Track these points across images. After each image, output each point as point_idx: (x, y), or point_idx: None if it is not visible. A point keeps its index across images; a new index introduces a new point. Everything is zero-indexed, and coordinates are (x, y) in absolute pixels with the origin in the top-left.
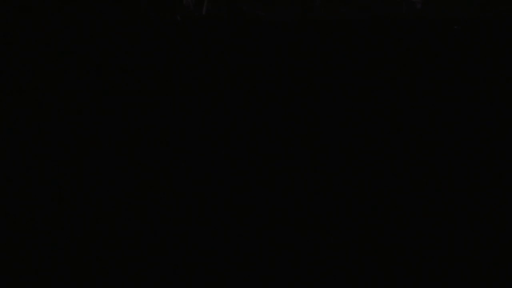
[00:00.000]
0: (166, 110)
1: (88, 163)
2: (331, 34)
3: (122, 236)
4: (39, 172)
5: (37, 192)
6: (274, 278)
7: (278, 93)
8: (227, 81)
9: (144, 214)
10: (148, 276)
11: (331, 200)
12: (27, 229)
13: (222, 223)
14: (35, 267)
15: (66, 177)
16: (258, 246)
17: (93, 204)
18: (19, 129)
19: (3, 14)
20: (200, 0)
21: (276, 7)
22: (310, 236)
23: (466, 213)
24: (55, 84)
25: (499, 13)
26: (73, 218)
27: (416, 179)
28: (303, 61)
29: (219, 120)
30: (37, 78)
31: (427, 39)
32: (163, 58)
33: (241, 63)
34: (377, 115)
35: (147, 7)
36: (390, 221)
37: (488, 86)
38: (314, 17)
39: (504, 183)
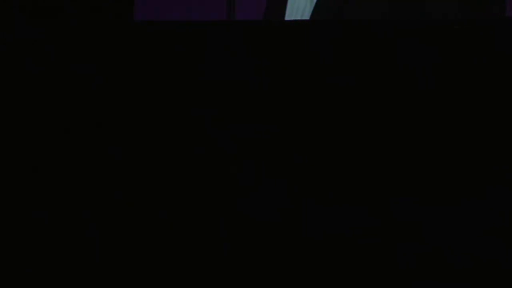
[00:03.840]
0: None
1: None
2: (331, 35)
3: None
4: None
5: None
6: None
7: (279, 95)
8: (227, 82)
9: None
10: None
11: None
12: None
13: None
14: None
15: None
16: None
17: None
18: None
19: None
20: None
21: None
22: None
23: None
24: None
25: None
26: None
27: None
28: (304, 62)
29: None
30: None
31: (427, 39)
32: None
33: (241, 64)
34: (377, 117)
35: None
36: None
37: (488, 87)
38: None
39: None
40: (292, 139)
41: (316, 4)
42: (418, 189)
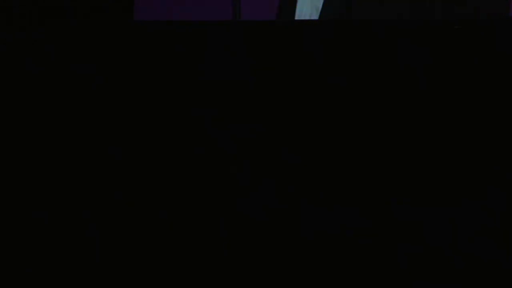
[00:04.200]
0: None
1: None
2: (330, 35)
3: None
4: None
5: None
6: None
7: (279, 98)
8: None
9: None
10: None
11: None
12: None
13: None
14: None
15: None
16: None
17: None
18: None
19: None
20: None
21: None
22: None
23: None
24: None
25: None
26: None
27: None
28: (304, 63)
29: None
30: None
31: (426, 39)
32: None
33: (241, 66)
34: (378, 117)
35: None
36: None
37: (488, 87)
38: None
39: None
40: (292, 139)
41: (321, 13)
42: (418, 189)
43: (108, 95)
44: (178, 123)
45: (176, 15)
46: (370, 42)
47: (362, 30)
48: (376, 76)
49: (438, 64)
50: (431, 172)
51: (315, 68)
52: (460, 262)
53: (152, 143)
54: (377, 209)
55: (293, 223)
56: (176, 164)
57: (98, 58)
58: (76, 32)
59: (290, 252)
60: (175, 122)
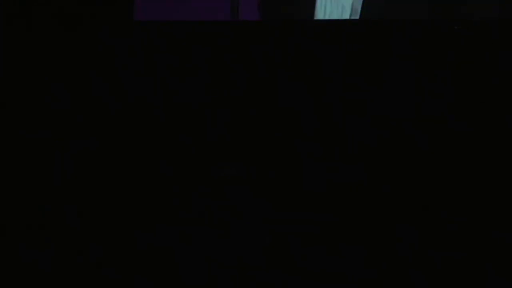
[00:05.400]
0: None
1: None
2: (326, 35)
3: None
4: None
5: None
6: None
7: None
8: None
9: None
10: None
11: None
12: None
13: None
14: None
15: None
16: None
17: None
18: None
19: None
20: None
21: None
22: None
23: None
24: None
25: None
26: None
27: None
28: (303, 63)
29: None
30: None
31: (426, 39)
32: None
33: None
34: (379, 118)
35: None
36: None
37: (488, 87)
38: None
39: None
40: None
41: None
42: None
43: (107, 94)
44: (178, 122)
45: (176, 15)
46: (370, 41)
47: (360, 30)
48: (379, 74)
49: (439, 64)
50: None
51: (318, 68)
52: None
53: (151, 142)
54: None
55: None
56: (177, 163)
57: (98, 57)
58: (75, 31)
59: None
60: (174, 120)
